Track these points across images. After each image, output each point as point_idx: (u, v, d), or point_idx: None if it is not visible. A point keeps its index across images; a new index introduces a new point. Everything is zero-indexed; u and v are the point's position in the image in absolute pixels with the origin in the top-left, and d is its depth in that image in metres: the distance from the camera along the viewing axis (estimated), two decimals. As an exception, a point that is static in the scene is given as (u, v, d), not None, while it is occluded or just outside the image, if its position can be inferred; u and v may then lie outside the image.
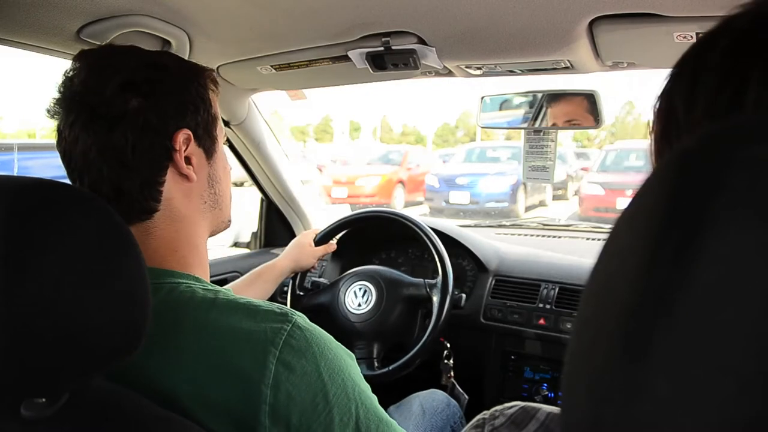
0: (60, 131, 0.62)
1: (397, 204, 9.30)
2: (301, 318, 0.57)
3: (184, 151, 0.64)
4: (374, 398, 0.60)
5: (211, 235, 0.71)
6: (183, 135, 0.63)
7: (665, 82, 0.30)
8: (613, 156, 8.53)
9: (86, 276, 0.43)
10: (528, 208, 8.84)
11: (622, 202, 7.63)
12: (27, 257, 0.41)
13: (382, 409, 0.60)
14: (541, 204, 9.39)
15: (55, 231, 0.42)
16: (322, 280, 1.37)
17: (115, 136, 0.59)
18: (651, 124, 0.31)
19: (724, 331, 0.14)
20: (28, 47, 0.89)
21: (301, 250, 1.25)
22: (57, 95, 0.62)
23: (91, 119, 0.59)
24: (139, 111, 0.60)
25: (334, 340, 0.59)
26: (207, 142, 0.67)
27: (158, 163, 0.62)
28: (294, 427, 0.52)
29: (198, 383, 0.53)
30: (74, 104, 0.60)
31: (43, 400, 0.45)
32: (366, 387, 0.59)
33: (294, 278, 1.30)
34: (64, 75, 0.62)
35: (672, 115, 0.29)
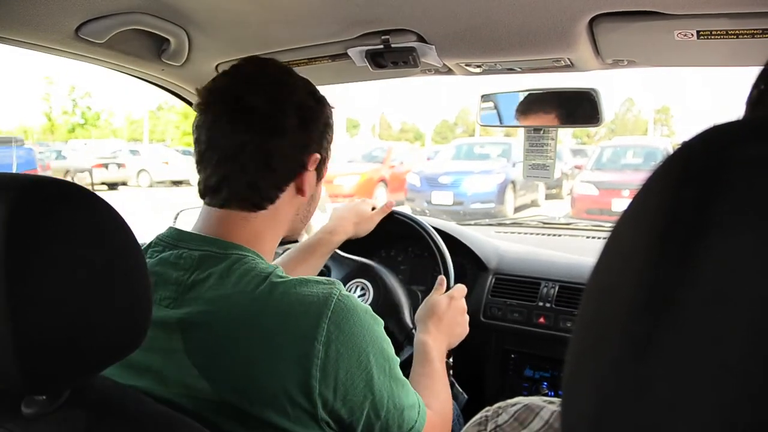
0: (216, 120, 0.69)
1: (378, 204, 8.88)
2: (342, 286, 0.64)
3: (310, 171, 0.73)
4: (398, 361, 0.68)
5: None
6: (315, 158, 0.73)
7: None
8: (610, 153, 8.02)
9: (87, 274, 0.43)
10: (518, 209, 8.29)
11: (618, 204, 6.98)
12: (28, 255, 0.41)
13: (400, 373, 0.68)
14: (534, 204, 8.87)
15: (57, 229, 0.42)
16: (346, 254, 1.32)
17: (273, 141, 0.69)
18: (751, 92, 0.32)
19: (728, 331, 0.14)
20: (26, 45, 0.89)
21: (361, 216, 1.18)
22: (220, 91, 0.70)
23: (260, 123, 0.68)
24: (296, 129, 0.70)
25: (369, 308, 0.66)
26: (322, 167, 0.76)
27: (290, 175, 0.72)
28: (341, 381, 0.59)
29: (258, 340, 0.59)
30: (245, 107, 0.68)
31: (44, 397, 0.45)
32: (392, 351, 0.67)
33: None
34: (237, 70, 0.72)
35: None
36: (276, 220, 0.73)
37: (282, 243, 0.77)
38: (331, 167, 0.80)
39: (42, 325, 0.41)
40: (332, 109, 0.77)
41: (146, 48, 0.99)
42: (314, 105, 0.73)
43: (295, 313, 0.60)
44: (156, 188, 12.72)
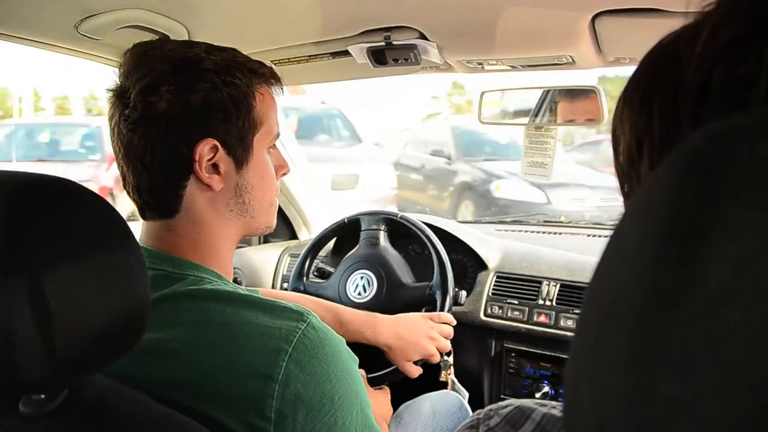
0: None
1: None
2: (315, 318, 0.57)
3: (210, 160, 0.61)
4: (370, 404, 0.61)
5: (245, 237, 0.71)
6: (207, 144, 0.61)
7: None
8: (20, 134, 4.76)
9: (85, 272, 0.43)
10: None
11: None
12: (26, 253, 0.41)
13: (373, 418, 0.61)
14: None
15: (54, 226, 0.42)
16: (328, 268, 1.35)
17: (135, 137, 0.60)
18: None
19: (732, 332, 0.14)
20: (25, 42, 0.89)
21: (415, 347, 0.97)
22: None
23: (121, 118, 0.61)
24: (161, 116, 0.59)
25: (344, 342, 0.59)
26: (238, 151, 0.63)
27: (178, 170, 0.61)
28: (300, 425, 0.53)
29: (209, 373, 0.54)
30: (112, 100, 0.62)
31: (42, 396, 0.45)
32: (365, 394, 0.60)
33: (300, 268, 1.29)
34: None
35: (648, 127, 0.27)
36: (201, 224, 0.63)
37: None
38: None
39: (40, 323, 0.40)
40: (252, 79, 0.65)
41: (146, 45, 0.99)
42: (181, 78, 0.60)
43: (253, 346, 0.53)
44: None
